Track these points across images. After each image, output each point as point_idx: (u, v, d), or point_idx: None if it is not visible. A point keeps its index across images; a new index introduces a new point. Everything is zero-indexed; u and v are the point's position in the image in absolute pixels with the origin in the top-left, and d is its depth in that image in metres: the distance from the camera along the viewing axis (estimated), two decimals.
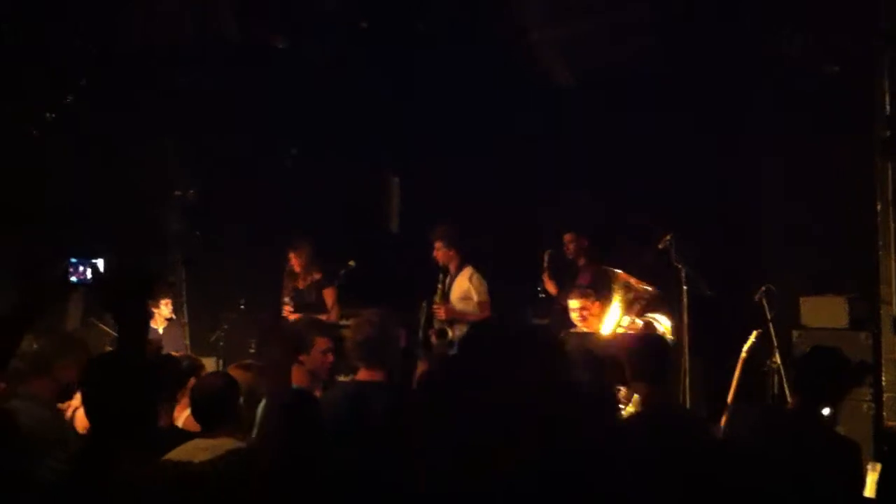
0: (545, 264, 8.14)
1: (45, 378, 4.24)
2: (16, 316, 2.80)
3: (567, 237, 8.25)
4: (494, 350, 1.73)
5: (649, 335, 6.32)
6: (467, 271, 7.82)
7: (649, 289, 7.06)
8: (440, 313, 7.67)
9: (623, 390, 6.55)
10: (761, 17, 7.67)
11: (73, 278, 2.71)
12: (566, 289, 7.92)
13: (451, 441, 1.69)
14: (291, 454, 2.69)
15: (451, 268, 7.84)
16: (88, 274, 2.70)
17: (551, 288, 8.14)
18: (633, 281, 7.20)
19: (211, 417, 3.87)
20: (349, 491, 2.32)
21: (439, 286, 7.79)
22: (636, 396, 4.81)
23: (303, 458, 2.77)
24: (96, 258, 2.72)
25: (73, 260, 2.71)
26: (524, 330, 1.79)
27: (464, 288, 7.75)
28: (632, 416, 4.94)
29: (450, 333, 7.60)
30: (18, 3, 7.92)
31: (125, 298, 2.60)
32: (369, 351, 4.46)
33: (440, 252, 7.83)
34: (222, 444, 3.47)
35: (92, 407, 2.68)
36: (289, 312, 8.37)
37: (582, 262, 8.16)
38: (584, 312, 7.10)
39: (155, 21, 8.49)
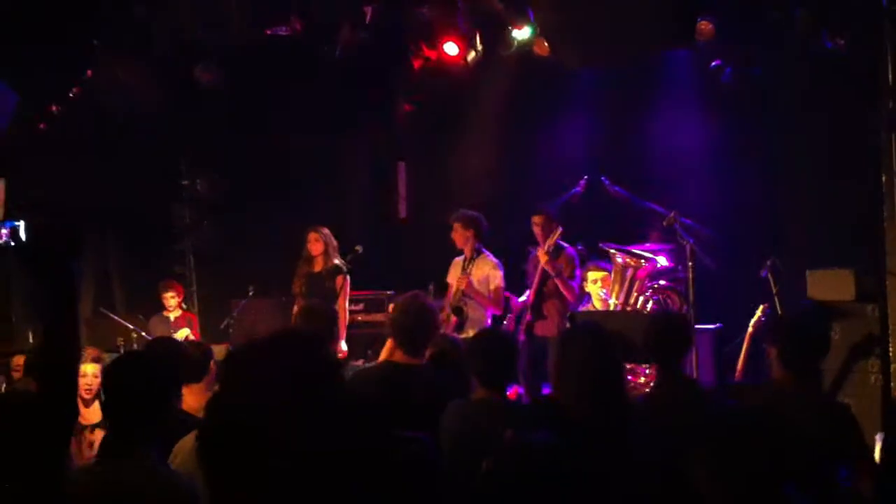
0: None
1: None
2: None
3: (535, 219, 7.83)
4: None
5: (672, 314, 6.36)
6: (486, 256, 7.79)
7: (646, 257, 7.11)
8: (463, 283, 7.62)
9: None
10: None
11: None
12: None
13: None
14: None
15: (468, 251, 7.82)
16: (13, 237, 2.51)
17: (543, 258, 7.63)
18: (629, 257, 7.23)
19: None
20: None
21: (463, 265, 7.78)
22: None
23: None
24: (19, 220, 2.52)
25: None
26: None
27: (485, 272, 7.72)
28: (647, 394, 4.97)
29: (465, 311, 7.60)
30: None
31: (50, 260, 2.38)
32: (405, 334, 4.53)
33: (458, 234, 7.80)
34: None
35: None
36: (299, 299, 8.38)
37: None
38: (605, 286, 7.16)
39: (164, 15, 8.53)
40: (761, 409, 3.74)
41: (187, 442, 3.77)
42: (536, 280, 7.72)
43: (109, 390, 3.08)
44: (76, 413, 2.61)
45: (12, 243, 2.45)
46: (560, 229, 7.62)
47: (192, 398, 4.81)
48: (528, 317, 7.79)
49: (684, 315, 6.51)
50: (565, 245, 7.81)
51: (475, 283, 7.67)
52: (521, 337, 7.69)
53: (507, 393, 4.51)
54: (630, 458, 3.53)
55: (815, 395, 4.09)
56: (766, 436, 2.60)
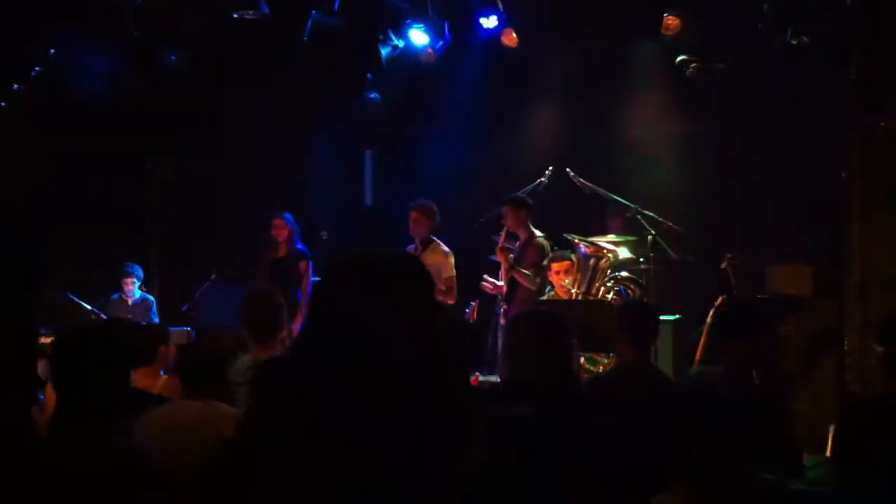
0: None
1: None
2: None
3: (506, 208, 7.90)
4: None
5: (639, 301, 6.43)
6: (439, 246, 7.81)
7: (608, 247, 7.17)
8: None
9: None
10: None
11: None
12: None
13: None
14: None
15: (423, 241, 7.82)
16: None
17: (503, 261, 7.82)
18: (592, 248, 7.30)
19: (202, 382, 3.92)
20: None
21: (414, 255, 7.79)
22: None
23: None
24: None
25: None
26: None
27: (436, 261, 7.72)
28: (607, 373, 5.02)
29: None
30: None
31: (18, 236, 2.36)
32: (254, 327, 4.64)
33: (420, 223, 7.80)
34: (215, 408, 3.71)
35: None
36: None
37: (523, 235, 7.88)
38: (569, 276, 7.20)
39: None
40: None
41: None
42: (504, 271, 7.78)
43: (60, 360, 2.94)
44: (37, 383, 2.58)
45: None
46: (504, 229, 7.74)
47: (144, 380, 4.83)
48: (504, 306, 7.83)
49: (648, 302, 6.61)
50: (538, 234, 7.84)
51: None
52: (502, 321, 7.74)
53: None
54: (596, 434, 3.56)
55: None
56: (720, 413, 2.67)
